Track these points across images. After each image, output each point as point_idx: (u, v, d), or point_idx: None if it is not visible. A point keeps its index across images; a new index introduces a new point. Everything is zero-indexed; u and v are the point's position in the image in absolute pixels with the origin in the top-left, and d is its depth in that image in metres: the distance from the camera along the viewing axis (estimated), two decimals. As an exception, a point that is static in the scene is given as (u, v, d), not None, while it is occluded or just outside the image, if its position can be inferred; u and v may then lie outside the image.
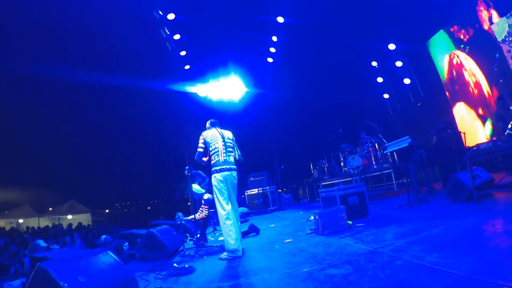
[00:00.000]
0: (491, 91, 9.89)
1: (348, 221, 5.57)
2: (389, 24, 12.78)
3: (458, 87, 11.43)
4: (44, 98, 19.07)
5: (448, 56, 11.75)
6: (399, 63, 13.97)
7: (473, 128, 10.55)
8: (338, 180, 11.66)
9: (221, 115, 9.74)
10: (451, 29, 11.41)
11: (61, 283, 2.68)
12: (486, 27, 9.64)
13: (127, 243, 8.17)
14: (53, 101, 19.46)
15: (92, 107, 20.07)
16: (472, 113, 10.75)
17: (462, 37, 10.92)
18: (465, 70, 10.91)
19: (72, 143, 23.39)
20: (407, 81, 13.89)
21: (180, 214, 7.28)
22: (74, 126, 21.98)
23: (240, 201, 11.57)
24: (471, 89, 10.71)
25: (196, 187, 7.30)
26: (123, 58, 15.64)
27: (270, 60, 16.99)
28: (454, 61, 11.43)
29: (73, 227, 18.75)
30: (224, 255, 4.86)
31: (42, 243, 9.18)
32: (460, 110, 11.44)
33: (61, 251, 7.02)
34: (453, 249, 3.20)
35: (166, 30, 13.84)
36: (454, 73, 11.47)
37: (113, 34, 14.53)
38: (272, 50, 16.28)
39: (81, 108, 20.18)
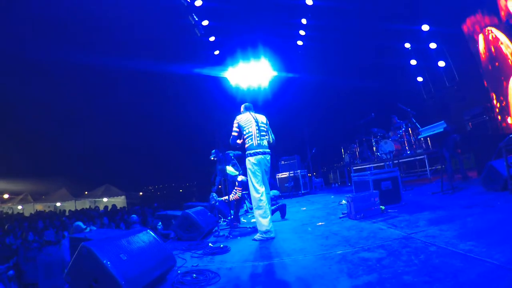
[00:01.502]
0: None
1: (381, 206, 5.60)
2: (422, 4, 12.33)
3: (499, 63, 10.86)
4: (78, 87, 19.74)
5: (482, 34, 11.23)
6: (433, 45, 13.49)
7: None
8: (370, 165, 11.56)
9: (252, 100, 9.84)
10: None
11: (104, 261, 2.78)
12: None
13: (160, 223, 8.49)
14: (88, 89, 20.11)
15: (127, 94, 20.61)
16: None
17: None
18: (502, 43, 10.39)
19: (107, 129, 24.11)
20: (441, 63, 13.42)
21: (215, 195, 7.49)
22: (108, 113, 22.64)
23: (271, 184, 11.71)
24: (510, 62, 10.20)
25: (230, 169, 7.49)
26: (156, 46, 15.95)
27: (299, 43, 16.80)
28: (490, 37, 10.89)
29: (109, 209, 19.45)
30: (257, 236, 4.99)
31: (81, 224, 9.66)
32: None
33: (100, 231, 7.38)
34: (486, 238, 3.20)
35: (194, 17, 13.92)
36: (493, 49, 10.88)
37: (142, 22, 14.81)
38: (302, 33, 16.08)
39: (115, 95, 20.75)
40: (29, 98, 19.45)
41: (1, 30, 14.88)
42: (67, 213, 18.68)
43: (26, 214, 20.72)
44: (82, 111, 22.42)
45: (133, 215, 11.70)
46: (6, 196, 25.10)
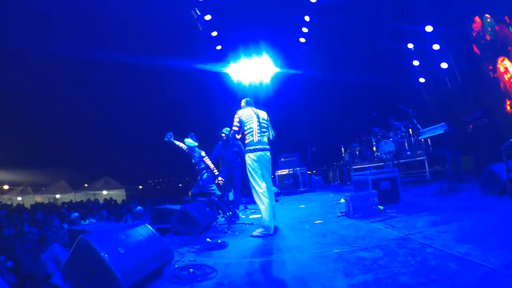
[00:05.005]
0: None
1: (379, 206, 5.60)
2: (426, 5, 12.28)
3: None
4: (80, 81, 19.73)
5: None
6: (436, 46, 13.42)
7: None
8: (370, 165, 11.56)
9: (253, 96, 9.84)
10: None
11: (102, 254, 2.79)
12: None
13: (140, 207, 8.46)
14: (89, 82, 20.11)
15: (128, 88, 20.58)
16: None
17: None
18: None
19: (107, 122, 24.11)
20: (444, 65, 13.35)
21: (171, 133, 7.55)
22: (109, 107, 22.64)
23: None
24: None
25: (188, 140, 7.47)
26: (157, 40, 15.92)
27: (302, 40, 16.74)
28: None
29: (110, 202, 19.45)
30: (255, 232, 5.00)
31: (76, 215, 9.72)
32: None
33: (98, 224, 7.40)
34: (483, 241, 3.21)
35: (197, 11, 13.86)
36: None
37: (145, 16, 14.79)
38: (305, 30, 16.02)
39: (117, 89, 20.75)
40: (31, 91, 19.45)
41: (3, 25, 14.91)
42: (58, 204, 18.76)
43: (26, 205, 20.72)
44: (83, 104, 22.42)
45: (139, 207, 11.77)
46: (6, 187, 25.14)
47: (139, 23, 15.50)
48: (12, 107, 20.50)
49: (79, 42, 16.08)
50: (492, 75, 10.27)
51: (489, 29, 10.09)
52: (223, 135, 7.87)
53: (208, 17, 14.40)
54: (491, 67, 10.27)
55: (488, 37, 10.01)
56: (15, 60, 17.36)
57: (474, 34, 10.78)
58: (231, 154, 8.06)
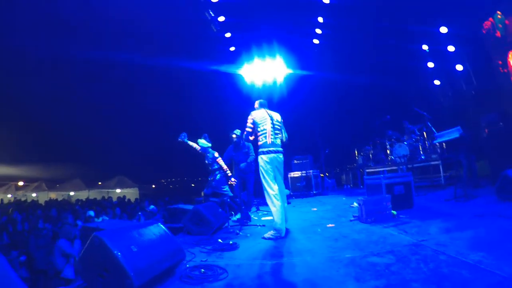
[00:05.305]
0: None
1: (393, 211, 5.54)
2: (441, 5, 12.10)
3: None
4: (95, 80, 20.00)
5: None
6: (451, 48, 13.18)
7: None
8: (383, 168, 11.44)
9: (266, 97, 9.85)
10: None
11: (115, 252, 2.82)
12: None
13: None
14: (104, 82, 20.37)
15: (142, 88, 20.76)
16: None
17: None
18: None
19: (121, 122, 24.36)
20: (459, 67, 13.12)
21: (185, 133, 7.65)
22: (123, 106, 22.87)
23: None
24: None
25: (202, 141, 7.54)
26: (171, 41, 16.04)
27: (316, 41, 16.67)
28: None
29: (124, 200, 19.66)
30: (267, 234, 5.00)
31: (92, 214, 9.85)
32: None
33: (111, 222, 7.50)
34: (497, 249, 3.17)
35: (211, 13, 13.94)
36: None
37: (158, 17, 14.93)
38: (318, 31, 15.95)
39: (131, 89, 20.95)
40: (48, 90, 19.79)
41: (18, 27, 15.24)
42: (72, 201, 19.05)
43: (41, 201, 21.06)
44: (99, 104, 22.68)
45: (152, 206, 11.88)
46: (21, 183, 25.60)
47: (153, 25, 15.65)
48: (28, 105, 20.85)
49: (94, 43, 16.34)
50: (502, 70, 10.11)
51: (500, 25, 9.94)
52: (233, 136, 7.85)
53: (221, 19, 14.48)
54: (500, 62, 10.11)
55: (498, 33, 9.87)
56: (31, 59, 17.68)
57: (484, 31, 10.63)
58: (242, 156, 8.08)
